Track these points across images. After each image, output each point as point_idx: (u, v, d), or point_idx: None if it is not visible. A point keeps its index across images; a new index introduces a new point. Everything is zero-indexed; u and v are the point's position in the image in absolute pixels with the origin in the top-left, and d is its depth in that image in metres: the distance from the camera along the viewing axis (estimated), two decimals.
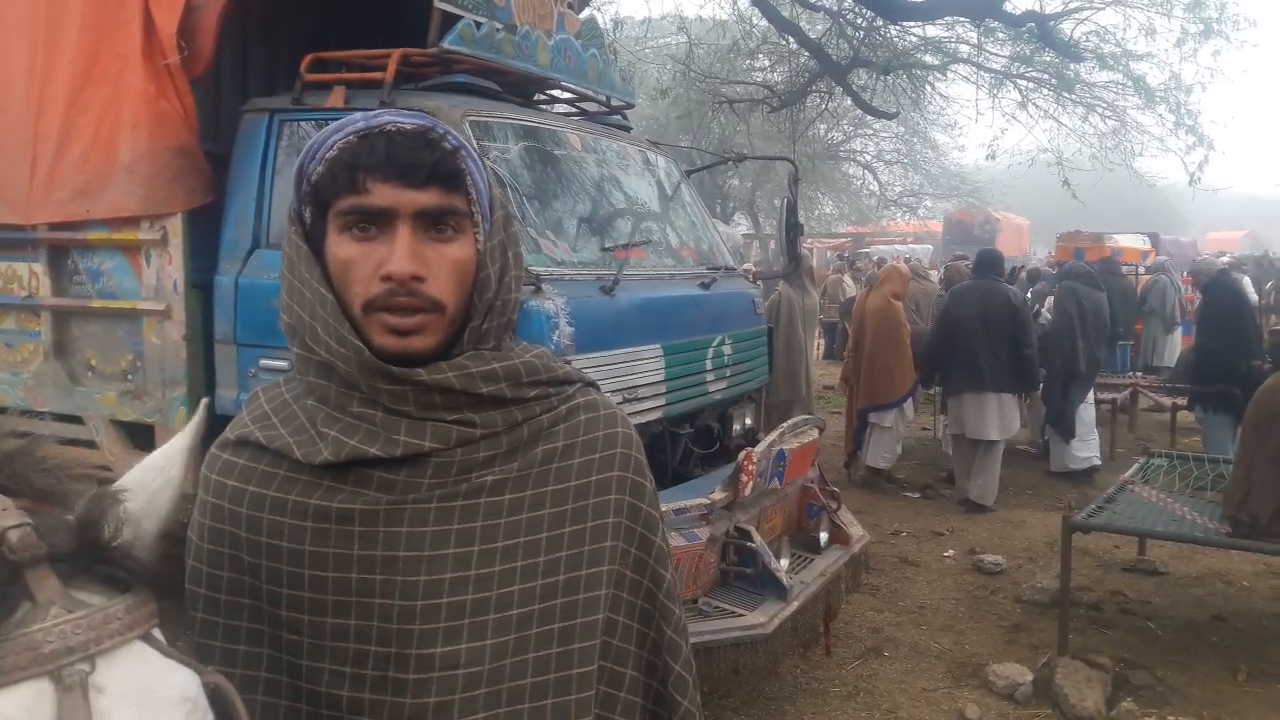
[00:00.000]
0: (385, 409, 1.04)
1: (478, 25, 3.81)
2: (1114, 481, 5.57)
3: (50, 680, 0.68)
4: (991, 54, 13.20)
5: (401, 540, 1.05)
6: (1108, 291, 8.78)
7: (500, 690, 1.06)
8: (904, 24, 12.49)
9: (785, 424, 4.34)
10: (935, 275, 14.52)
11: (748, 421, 4.89)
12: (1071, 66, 12.45)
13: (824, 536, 4.38)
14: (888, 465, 8.01)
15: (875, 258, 19.39)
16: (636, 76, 14.61)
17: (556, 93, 4.86)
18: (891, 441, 7.96)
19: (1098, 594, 5.54)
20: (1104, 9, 11.86)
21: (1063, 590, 4.71)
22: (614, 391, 3.63)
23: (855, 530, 4.55)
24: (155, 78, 3.78)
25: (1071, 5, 11.73)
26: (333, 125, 1.07)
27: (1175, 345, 12.38)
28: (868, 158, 25.52)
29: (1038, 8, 11.66)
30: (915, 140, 24.73)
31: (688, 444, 4.41)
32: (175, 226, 3.82)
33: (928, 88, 14.87)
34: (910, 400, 8.11)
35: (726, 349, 4.42)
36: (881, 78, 13.37)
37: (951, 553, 6.39)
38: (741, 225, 27.02)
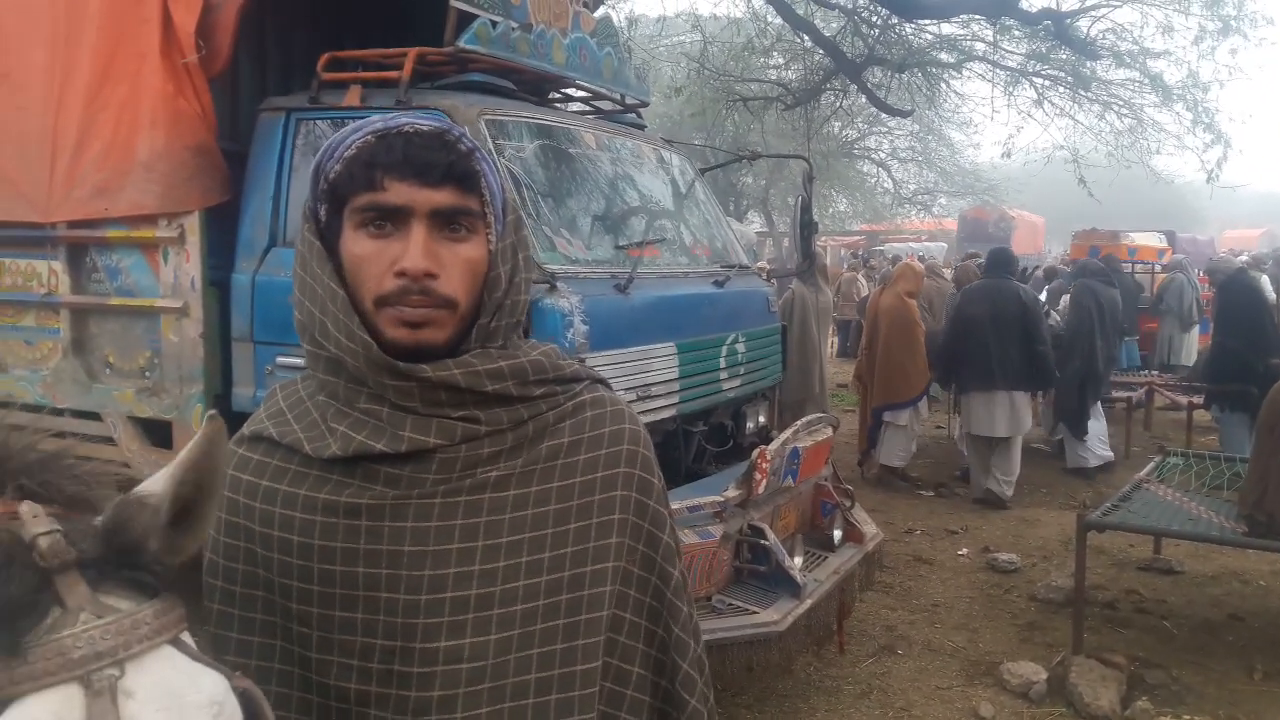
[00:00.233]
0: (391, 405, 1.06)
1: (493, 24, 3.82)
2: (1129, 480, 5.55)
3: (80, 685, 0.69)
4: (1007, 51, 13.13)
5: (406, 535, 1.07)
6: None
7: (504, 685, 1.06)
8: (919, 21, 12.44)
9: (799, 422, 4.35)
10: (949, 273, 14.48)
11: (761, 419, 4.89)
12: (1088, 64, 12.38)
13: (838, 534, 4.38)
14: (902, 463, 8.00)
15: (890, 256, 19.33)
16: (651, 74, 14.63)
17: (571, 91, 4.87)
18: (906, 440, 7.95)
19: (1113, 593, 5.52)
20: (1121, 6, 11.79)
21: (1077, 589, 4.70)
22: (628, 389, 3.64)
23: (869, 528, 4.55)
24: (174, 76, 3.81)
25: (1088, 3, 11.66)
26: (351, 126, 1.09)
27: (1192, 344, 12.30)
28: (882, 155, 25.41)
29: (1054, 5, 11.60)
30: (930, 138, 24.63)
31: (701, 442, 4.42)
32: (193, 224, 3.84)
33: (943, 85, 14.80)
34: (924, 399, 8.11)
35: (740, 347, 4.42)
36: (896, 75, 13.33)
37: (966, 551, 6.37)
38: (755, 223, 27.00)
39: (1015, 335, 7.21)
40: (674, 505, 3.42)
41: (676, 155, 5.05)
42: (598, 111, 4.95)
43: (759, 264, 7.03)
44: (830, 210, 26.71)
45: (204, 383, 3.87)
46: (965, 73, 14.15)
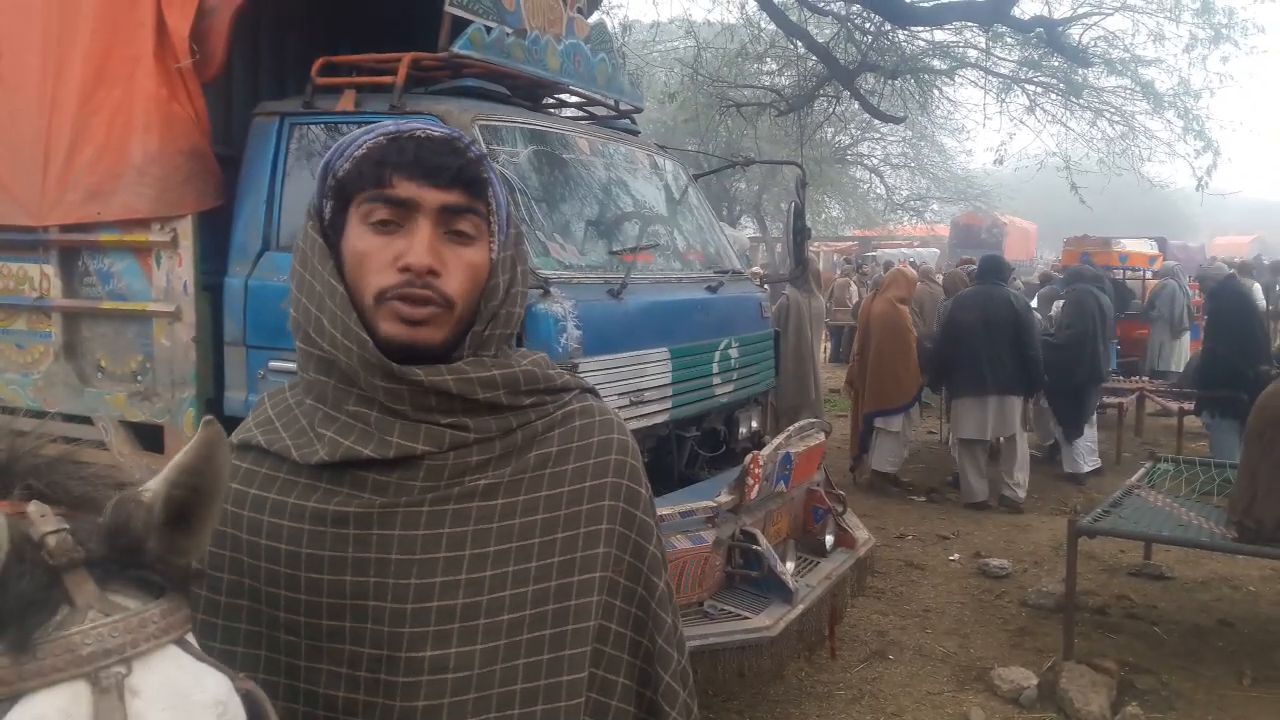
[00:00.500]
0: (381, 408, 1.06)
1: (488, 30, 3.83)
2: (1120, 486, 5.57)
3: (87, 682, 0.70)
4: (1000, 59, 13.21)
5: (394, 543, 1.06)
6: None
7: (489, 695, 1.05)
8: (912, 28, 12.50)
9: (791, 427, 4.36)
10: (941, 278, 14.51)
11: (754, 425, 4.90)
12: (1080, 71, 12.45)
13: (829, 540, 4.39)
14: (894, 469, 8.02)
15: (882, 261, 19.38)
16: (644, 80, 14.63)
17: (565, 97, 4.87)
18: (897, 445, 7.97)
19: (1103, 598, 5.54)
20: (1113, 14, 11.87)
21: (1068, 594, 4.71)
22: (621, 394, 3.64)
23: (861, 533, 4.56)
24: (167, 80, 3.80)
25: (1080, 10, 11.73)
26: (362, 129, 1.10)
27: (1183, 350, 12.36)
28: (875, 161, 25.53)
29: (1046, 13, 11.66)
30: (923, 144, 24.76)
31: (694, 447, 4.42)
32: (185, 229, 3.84)
33: (935, 92, 14.89)
34: (916, 404, 8.14)
35: (733, 352, 4.43)
36: (889, 82, 13.39)
37: (957, 556, 6.39)
38: (748, 228, 27.03)
39: (1007, 340, 7.28)
40: (667, 510, 3.46)
41: (670, 161, 5.06)
42: (591, 117, 4.96)
43: (752, 269, 7.04)
44: (823, 216, 26.79)
45: (196, 387, 3.86)
46: (958, 79, 14.24)
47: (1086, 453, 8.34)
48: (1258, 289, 11.82)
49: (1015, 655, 4.83)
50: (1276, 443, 4.39)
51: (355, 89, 3.83)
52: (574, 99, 4.90)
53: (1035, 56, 12.51)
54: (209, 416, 0.84)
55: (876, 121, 17.56)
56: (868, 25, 12.65)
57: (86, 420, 4.15)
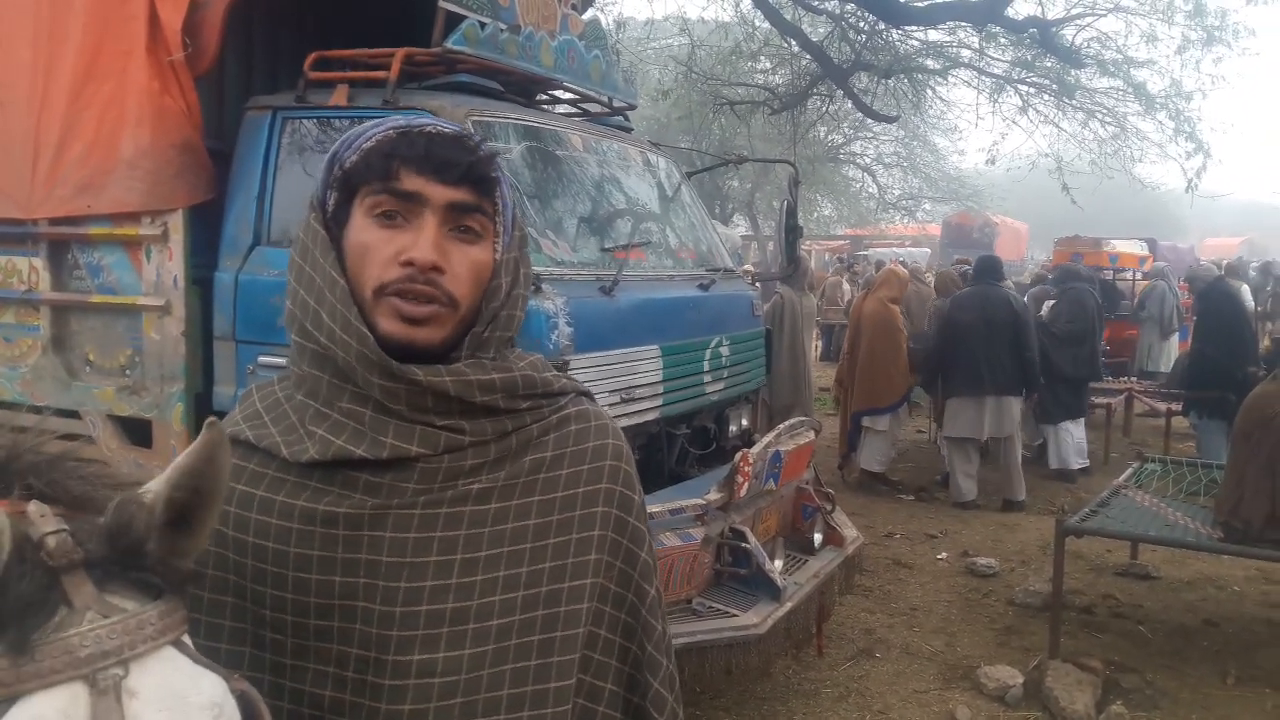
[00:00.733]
0: (375, 406, 1.04)
1: (482, 25, 3.82)
2: (1108, 486, 5.60)
3: (85, 684, 0.70)
4: (993, 59, 13.24)
5: (385, 545, 1.05)
6: None
7: (476, 700, 1.05)
8: (906, 28, 12.51)
9: (781, 425, 4.37)
10: (931, 278, 14.53)
11: (744, 423, 4.91)
12: (1072, 72, 12.49)
13: (818, 538, 4.40)
14: (882, 468, 8.04)
15: (873, 261, 19.41)
16: (638, 77, 14.63)
17: (559, 93, 4.87)
18: (886, 445, 8.00)
19: (1089, 597, 5.57)
20: (1105, 15, 11.90)
21: (1055, 593, 4.74)
22: (612, 392, 3.65)
23: (849, 532, 4.57)
24: (159, 74, 3.79)
25: (1073, 11, 11.76)
26: (371, 121, 1.09)
27: (1171, 350, 12.42)
28: (867, 161, 25.55)
29: (1040, 13, 11.69)
30: (915, 144, 24.79)
31: (684, 444, 4.43)
32: (176, 223, 3.82)
33: (929, 92, 14.92)
34: (905, 404, 8.17)
35: (724, 350, 4.44)
36: (883, 81, 13.39)
37: (944, 555, 6.41)
38: (740, 227, 27.03)
39: (1006, 341, 7.31)
40: (656, 508, 3.46)
41: (663, 158, 5.07)
42: (585, 114, 4.96)
43: (743, 268, 7.05)
44: (815, 215, 26.83)
45: (185, 381, 3.85)
46: (951, 79, 14.26)
47: (1075, 451, 8.39)
48: (1246, 290, 11.88)
49: (1001, 654, 4.86)
50: (1263, 444, 4.42)
51: (348, 84, 3.82)
52: (568, 95, 4.89)
53: (1028, 57, 12.55)
54: (212, 418, 0.84)
55: (869, 121, 17.58)
56: (861, 24, 12.66)
57: (74, 414, 4.14)
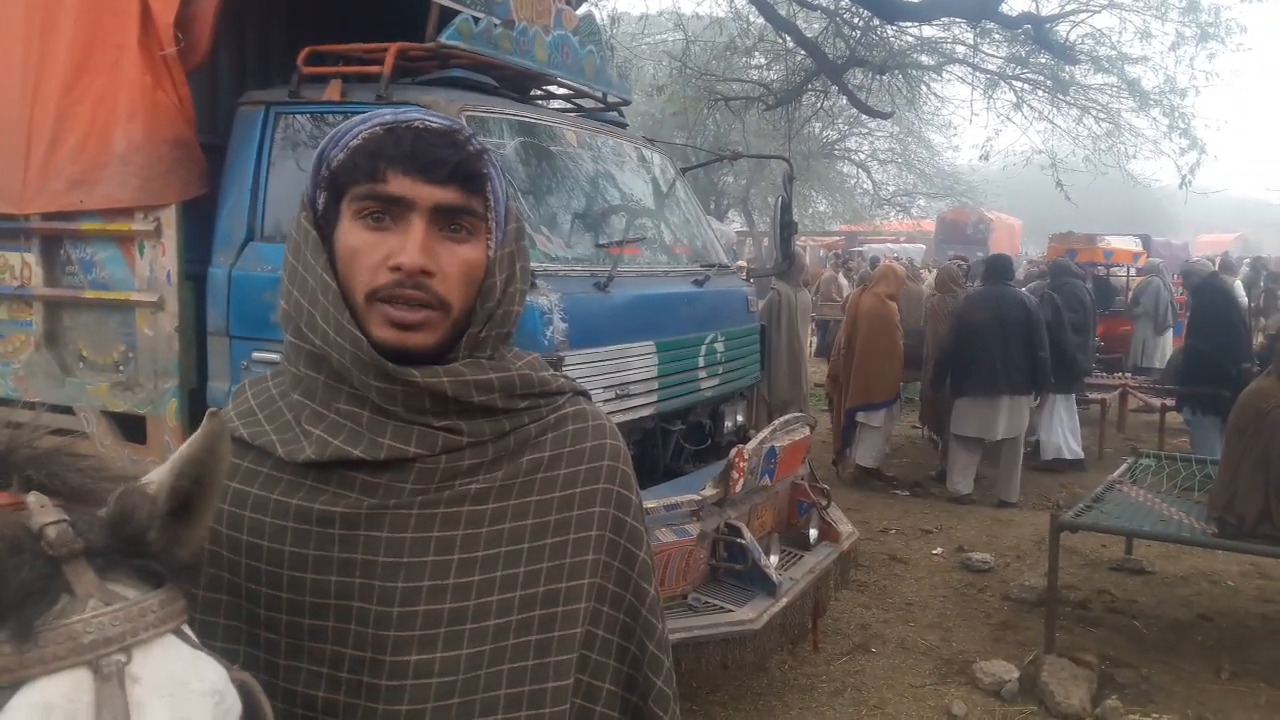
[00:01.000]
0: (373, 408, 1.03)
1: (475, 20, 3.81)
2: (1102, 481, 5.61)
3: (89, 670, 0.71)
4: (987, 55, 13.25)
5: (381, 545, 1.04)
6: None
7: (474, 701, 1.04)
8: (900, 24, 12.51)
9: (776, 421, 4.37)
10: (928, 275, 14.54)
11: (739, 419, 4.91)
12: (1066, 69, 12.49)
13: (814, 533, 4.40)
14: (876, 464, 8.05)
15: (868, 257, 19.43)
16: (633, 73, 14.62)
17: (553, 88, 4.86)
18: (880, 440, 8.00)
19: (1084, 592, 5.58)
20: (1100, 12, 11.90)
21: (1050, 588, 4.74)
22: (606, 388, 3.64)
23: (845, 527, 4.58)
24: (152, 68, 3.77)
25: (1068, 8, 11.77)
26: (359, 116, 1.06)
27: (1166, 346, 12.45)
28: (862, 157, 25.55)
29: (1034, 10, 11.70)
30: (910, 140, 24.79)
31: (679, 440, 4.43)
32: (169, 218, 3.81)
33: (923, 88, 14.93)
34: (899, 400, 8.18)
35: (719, 346, 4.44)
36: (877, 77, 13.41)
37: (940, 550, 6.42)
38: (735, 223, 27.05)
39: (1020, 340, 7.32)
40: (652, 504, 3.46)
41: (658, 154, 5.06)
42: (579, 109, 4.95)
43: (738, 263, 7.05)
44: (810, 211, 26.81)
45: (179, 377, 3.84)
46: (945, 75, 14.28)
47: (1070, 432, 8.45)
48: (1239, 286, 11.92)
49: (997, 649, 4.86)
50: (1257, 439, 4.42)
51: (342, 79, 3.81)
52: (562, 91, 4.88)
53: (1023, 53, 12.55)
54: (213, 409, 0.84)
55: (864, 117, 17.60)
56: (856, 20, 12.66)
57: (68, 410, 4.12)
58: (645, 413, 3.94)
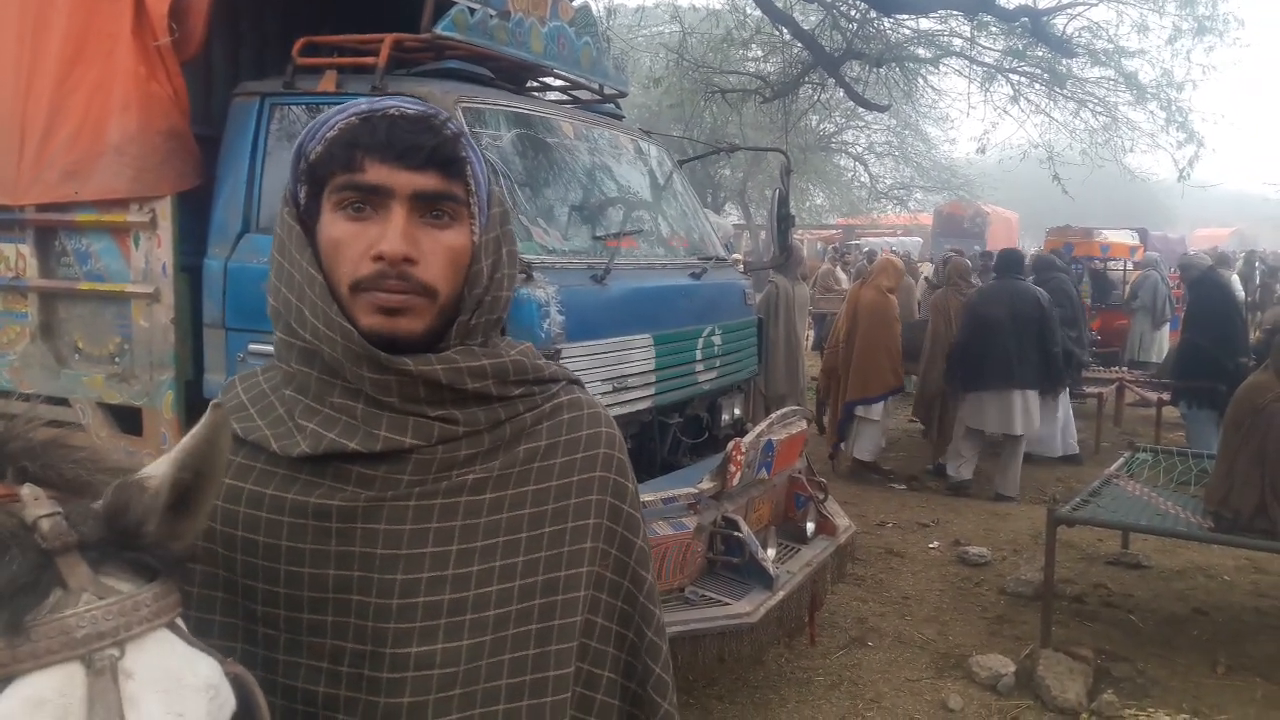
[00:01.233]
0: (367, 400, 1.02)
1: (471, 11, 3.79)
2: (1099, 475, 5.61)
3: (81, 664, 0.70)
4: (984, 48, 13.22)
5: (379, 538, 1.03)
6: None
7: (475, 691, 1.04)
8: (897, 16, 12.49)
9: (773, 415, 4.36)
10: (926, 269, 14.55)
11: (736, 412, 4.90)
12: (1064, 62, 12.48)
13: (810, 527, 4.40)
14: (873, 458, 8.05)
15: (865, 250, 19.42)
16: (629, 65, 14.58)
17: (549, 80, 4.84)
18: (878, 434, 8.00)
19: (1081, 587, 5.58)
20: (1097, 5, 11.92)
21: (1046, 582, 4.75)
22: (603, 381, 3.64)
23: (842, 521, 4.58)
24: (146, 59, 3.75)
25: (1064, 1, 11.74)
26: (335, 108, 1.06)
27: (1163, 341, 12.47)
28: (859, 150, 25.53)
29: (1031, 3, 11.67)
30: (907, 133, 24.78)
31: (676, 433, 4.42)
32: (164, 209, 3.79)
33: (920, 81, 14.88)
34: (898, 393, 8.19)
35: (716, 339, 4.43)
36: (874, 70, 13.38)
37: (937, 544, 6.43)
38: (732, 215, 27.01)
39: (1033, 336, 7.33)
40: (649, 497, 3.45)
41: (654, 146, 5.04)
42: (576, 101, 4.93)
43: (734, 256, 7.03)
44: (807, 204, 26.80)
45: (175, 369, 3.82)
46: (942, 68, 14.24)
47: (1064, 435, 8.45)
48: (1236, 280, 11.93)
49: (993, 643, 4.87)
50: (1254, 434, 4.43)
51: (337, 70, 3.79)
52: (558, 82, 4.87)
53: (1020, 46, 12.52)
54: (216, 400, 0.84)
55: (861, 110, 17.55)
56: (853, 13, 12.63)
57: (64, 402, 4.11)
58: (642, 406, 3.93)
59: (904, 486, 7.93)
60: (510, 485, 1.09)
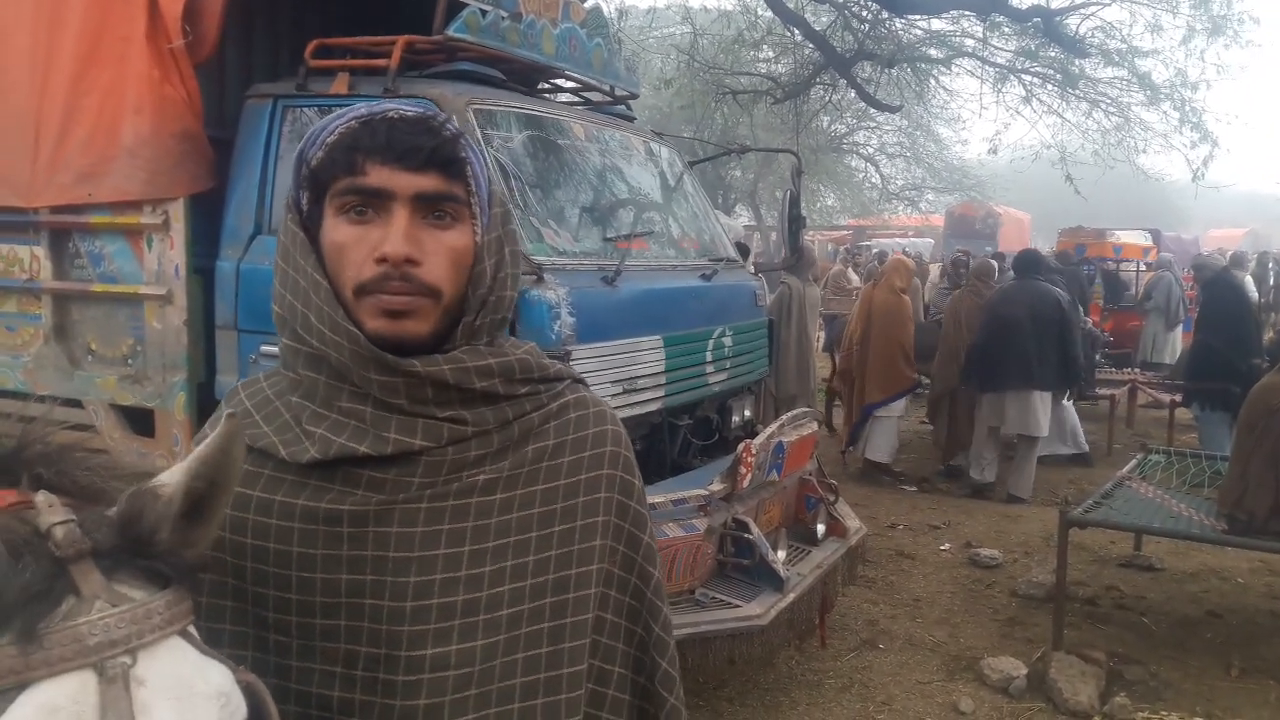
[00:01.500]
0: (375, 403, 1.03)
1: (483, 13, 3.80)
2: (1111, 477, 5.59)
3: (94, 672, 0.71)
4: (996, 48, 13.19)
5: (391, 541, 1.04)
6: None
7: (490, 691, 1.04)
8: (909, 17, 12.47)
9: (784, 416, 4.36)
10: (936, 270, 14.50)
11: (747, 413, 4.90)
12: (1076, 62, 12.42)
13: (821, 529, 4.39)
14: (887, 459, 8.03)
15: (875, 251, 19.37)
16: (640, 66, 14.58)
17: (561, 82, 4.85)
18: (893, 434, 7.98)
19: (1093, 589, 5.56)
20: (1110, 5, 11.85)
21: (1058, 585, 4.73)
22: (614, 382, 3.64)
23: (852, 523, 4.57)
24: (159, 61, 3.77)
25: (1078, 1, 11.70)
26: (335, 113, 1.06)
27: (1176, 342, 12.40)
28: (870, 150, 25.45)
29: (1044, 3, 11.63)
30: (918, 134, 24.67)
31: (687, 435, 4.42)
32: (177, 211, 3.81)
33: (932, 81, 14.85)
34: (914, 392, 8.17)
35: (727, 341, 4.43)
36: (886, 71, 13.35)
37: (948, 546, 6.41)
38: (743, 217, 26.98)
39: (1054, 336, 7.30)
40: (659, 498, 3.45)
41: (665, 147, 5.04)
42: (587, 103, 4.94)
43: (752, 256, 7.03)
44: (818, 205, 26.75)
45: (187, 371, 3.84)
46: (954, 69, 14.21)
47: (1070, 435, 8.42)
48: (1249, 281, 11.86)
49: (1005, 645, 4.85)
50: (1268, 435, 4.40)
51: (349, 72, 3.80)
52: (569, 84, 4.87)
53: (1032, 46, 12.48)
54: (231, 410, 0.84)
55: (872, 110, 17.51)
56: (865, 13, 12.61)
57: (77, 404, 4.13)
58: (653, 407, 3.93)
59: (915, 488, 7.91)
60: (520, 485, 1.10)
